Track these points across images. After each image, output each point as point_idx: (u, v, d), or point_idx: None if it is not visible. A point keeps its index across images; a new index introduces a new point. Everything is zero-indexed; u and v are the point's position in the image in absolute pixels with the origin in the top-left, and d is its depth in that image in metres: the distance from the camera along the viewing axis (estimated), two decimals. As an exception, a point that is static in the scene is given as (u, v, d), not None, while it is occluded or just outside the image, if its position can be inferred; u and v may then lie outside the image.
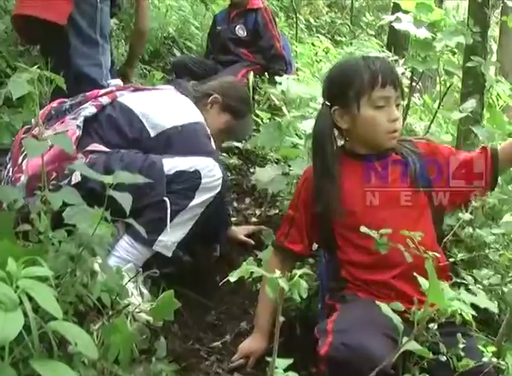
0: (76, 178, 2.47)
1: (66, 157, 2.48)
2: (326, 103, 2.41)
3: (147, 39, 4.67)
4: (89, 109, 2.71)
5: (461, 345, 1.93)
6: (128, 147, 2.66)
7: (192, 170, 2.57)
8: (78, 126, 2.64)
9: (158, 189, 2.51)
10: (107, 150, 2.62)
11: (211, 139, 2.81)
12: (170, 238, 2.57)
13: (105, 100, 2.77)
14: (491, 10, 3.36)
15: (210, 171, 2.59)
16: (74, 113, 2.71)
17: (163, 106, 2.83)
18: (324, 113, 2.41)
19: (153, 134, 2.72)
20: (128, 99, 2.82)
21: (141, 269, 2.54)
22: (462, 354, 1.92)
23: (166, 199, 2.52)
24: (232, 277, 1.61)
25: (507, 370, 1.93)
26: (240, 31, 5.60)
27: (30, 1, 3.43)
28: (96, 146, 2.61)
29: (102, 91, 2.86)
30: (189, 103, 2.90)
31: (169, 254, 2.60)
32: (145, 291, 2.52)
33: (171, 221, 2.54)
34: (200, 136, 2.77)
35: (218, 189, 2.62)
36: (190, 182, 2.57)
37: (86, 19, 3.47)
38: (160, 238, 2.54)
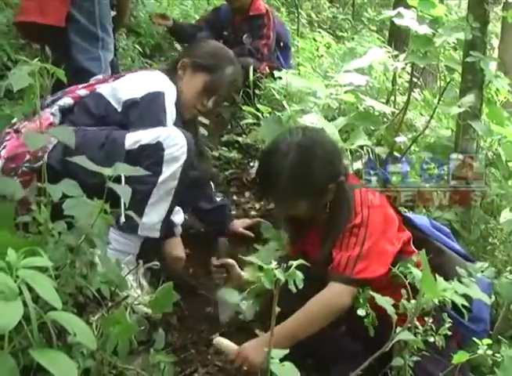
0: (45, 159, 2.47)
1: None
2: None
3: None
4: (65, 99, 2.74)
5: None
6: (96, 125, 2.65)
7: (154, 142, 2.52)
8: (53, 113, 2.65)
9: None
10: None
11: (166, 110, 2.72)
12: (152, 219, 2.53)
13: (83, 92, 2.80)
14: (490, 6, 3.38)
15: (172, 140, 2.53)
16: (52, 106, 2.72)
17: (128, 82, 2.82)
18: None
19: (119, 109, 2.71)
20: (103, 86, 2.83)
21: (141, 261, 2.54)
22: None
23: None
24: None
25: (503, 363, 1.94)
26: (247, 40, 5.56)
27: (28, 4, 3.45)
28: None
29: (82, 85, 2.87)
30: (155, 75, 2.88)
31: (157, 235, 2.56)
32: (144, 284, 2.52)
33: (146, 202, 2.49)
34: (153, 107, 2.70)
35: (184, 158, 2.55)
36: (154, 155, 2.51)
37: (84, 14, 3.47)
38: (142, 221, 2.48)
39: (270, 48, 5.58)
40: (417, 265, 2.17)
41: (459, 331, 2.41)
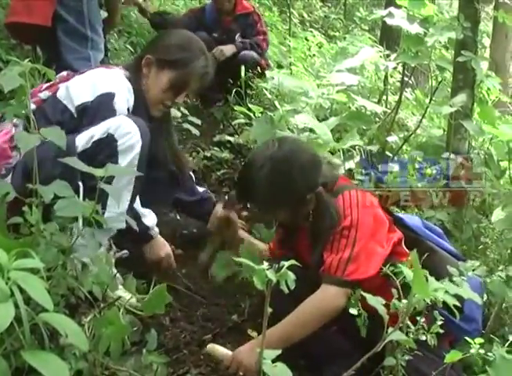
0: (8, 180, 2.44)
1: (3, 157, 2.47)
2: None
3: None
4: None
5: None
6: None
7: (105, 135, 2.46)
8: (14, 124, 2.59)
9: (76, 175, 2.32)
10: None
11: (115, 111, 2.61)
12: (116, 210, 2.43)
13: (45, 95, 2.71)
14: (481, 5, 3.39)
15: (123, 129, 2.47)
16: None
17: (81, 84, 2.71)
18: None
19: (76, 114, 2.63)
20: (61, 87, 2.73)
21: (111, 252, 2.49)
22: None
23: (79, 183, 2.34)
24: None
25: (494, 362, 1.95)
26: (239, 39, 5.53)
27: (17, 5, 3.46)
28: None
29: (46, 85, 2.77)
30: (109, 74, 2.77)
31: (123, 226, 2.46)
32: (117, 274, 2.45)
33: (107, 195, 2.26)
34: (101, 109, 2.60)
35: (140, 144, 2.49)
36: (108, 148, 2.44)
37: (72, 13, 3.47)
38: (106, 215, 2.32)
39: (268, 44, 5.59)
40: (411, 267, 2.18)
41: (451, 331, 2.42)
